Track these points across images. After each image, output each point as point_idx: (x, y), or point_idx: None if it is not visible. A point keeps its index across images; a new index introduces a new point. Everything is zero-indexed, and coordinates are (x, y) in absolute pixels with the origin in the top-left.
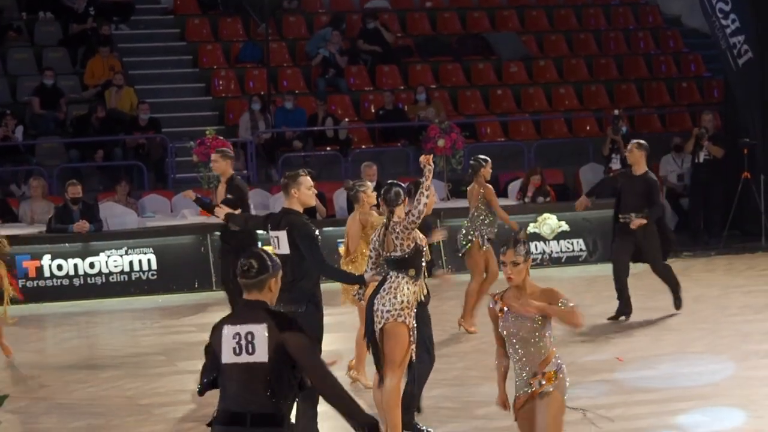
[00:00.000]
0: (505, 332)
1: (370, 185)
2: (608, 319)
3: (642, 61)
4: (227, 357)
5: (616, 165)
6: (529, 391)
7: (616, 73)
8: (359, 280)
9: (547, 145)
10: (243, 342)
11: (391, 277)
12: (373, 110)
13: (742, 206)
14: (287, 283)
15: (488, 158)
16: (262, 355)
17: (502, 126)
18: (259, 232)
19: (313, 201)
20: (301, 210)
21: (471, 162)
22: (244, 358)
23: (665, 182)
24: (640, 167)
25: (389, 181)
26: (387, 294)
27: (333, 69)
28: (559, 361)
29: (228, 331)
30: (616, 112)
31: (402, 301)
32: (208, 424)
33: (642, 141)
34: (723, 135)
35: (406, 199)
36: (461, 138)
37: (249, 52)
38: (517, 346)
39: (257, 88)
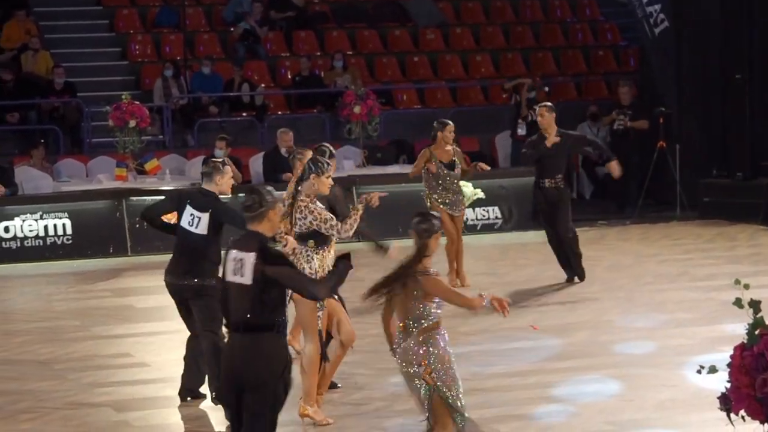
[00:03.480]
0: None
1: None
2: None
3: (558, 29)
4: (229, 275)
5: (522, 131)
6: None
7: (533, 40)
8: None
9: (463, 112)
10: (238, 266)
11: (294, 250)
12: (289, 76)
13: (657, 175)
14: (196, 261)
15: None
16: (248, 279)
17: (419, 93)
18: None
19: (230, 191)
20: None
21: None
22: (238, 279)
23: (581, 151)
24: (553, 129)
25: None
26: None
27: (251, 36)
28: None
29: (232, 254)
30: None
31: (311, 273)
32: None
33: (550, 104)
34: (640, 105)
35: (312, 175)
36: (377, 105)
37: (165, 17)
38: None
39: (174, 53)
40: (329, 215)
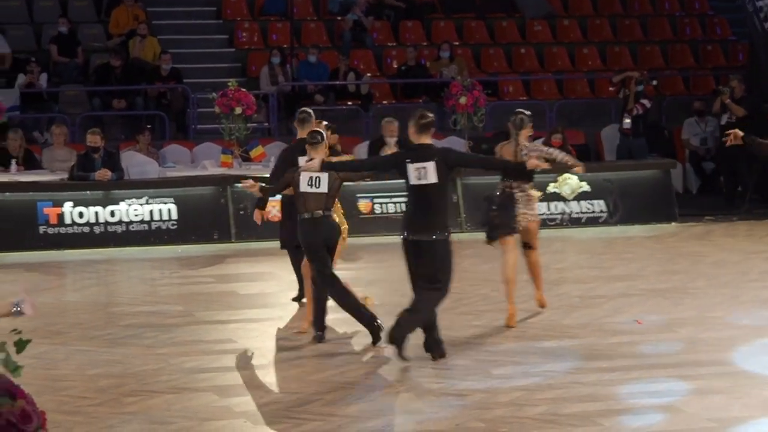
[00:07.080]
0: None
1: None
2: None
3: (667, 23)
4: None
5: (627, 125)
6: None
7: (641, 34)
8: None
9: (569, 104)
10: None
11: (523, 188)
12: (395, 66)
13: (765, 172)
14: (429, 213)
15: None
16: None
17: (525, 85)
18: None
19: None
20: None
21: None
22: None
23: (687, 145)
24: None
25: (517, 110)
26: (525, 200)
27: (359, 26)
28: None
29: None
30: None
31: (536, 206)
32: None
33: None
34: (747, 98)
35: (530, 124)
36: (483, 96)
37: (273, 4)
38: None
39: (280, 41)
40: None
